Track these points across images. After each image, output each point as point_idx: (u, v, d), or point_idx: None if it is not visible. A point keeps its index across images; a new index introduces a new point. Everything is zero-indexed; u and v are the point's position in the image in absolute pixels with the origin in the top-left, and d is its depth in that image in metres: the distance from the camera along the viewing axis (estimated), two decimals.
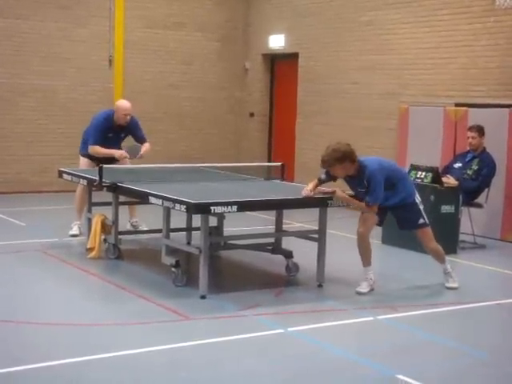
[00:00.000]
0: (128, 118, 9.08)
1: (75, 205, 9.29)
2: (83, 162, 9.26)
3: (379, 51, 12.07)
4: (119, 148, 9.21)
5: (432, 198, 8.90)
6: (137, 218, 9.45)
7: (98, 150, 9.01)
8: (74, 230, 9.22)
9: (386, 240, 9.31)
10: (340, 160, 6.79)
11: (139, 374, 4.96)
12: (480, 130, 9.40)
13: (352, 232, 9.95)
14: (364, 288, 7.02)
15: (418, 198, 7.21)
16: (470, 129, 9.48)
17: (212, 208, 6.37)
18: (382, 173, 6.91)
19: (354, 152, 6.86)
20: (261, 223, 9.51)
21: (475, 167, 9.34)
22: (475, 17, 10.57)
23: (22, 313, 6.19)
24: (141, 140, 9.32)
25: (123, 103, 9.21)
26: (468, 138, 9.46)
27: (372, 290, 7.05)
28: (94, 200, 8.55)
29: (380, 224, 7.42)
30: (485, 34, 10.47)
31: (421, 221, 7.20)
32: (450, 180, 9.20)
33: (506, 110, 9.85)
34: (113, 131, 9.11)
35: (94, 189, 8.24)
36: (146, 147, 9.23)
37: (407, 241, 8.94)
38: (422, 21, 11.36)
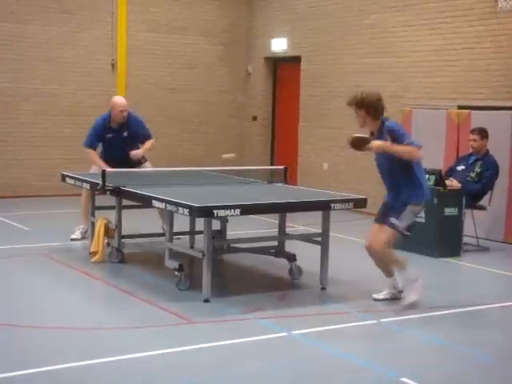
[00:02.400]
0: (125, 114, 9.03)
1: (81, 209, 9.28)
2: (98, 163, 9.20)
3: (382, 54, 12.07)
4: (129, 148, 9.12)
5: (435, 200, 8.90)
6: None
7: (91, 156, 9.05)
8: (75, 235, 9.21)
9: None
10: (358, 104, 6.58)
11: (142, 378, 4.96)
12: (482, 133, 9.40)
13: (355, 235, 9.99)
14: (381, 295, 6.88)
15: (419, 208, 6.68)
16: (472, 131, 9.50)
17: (215, 211, 6.38)
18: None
19: (379, 108, 6.57)
20: (264, 226, 9.51)
21: (478, 170, 9.34)
22: (477, 19, 10.57)
23: (26, 316, 6.19)
24: (145, 137, 9.27)
25: (119, 100, 9.17)
26: (470, 140, 9.48)
27: (392, 298, 6.83)
28: (97, 204, 8.56)
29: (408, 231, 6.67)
30: (487, 37, 10.47)
31: (393, 220, 6.53)
32: (453, 183, 9.20)
33: (509, 112, 9.85)
34: (112, 131, 9.09)
35: (96, 193, 8.25)
36: (146, 145, 9.19)
37: (410, 244, 8.94)
38: (425, 23, 11.36)
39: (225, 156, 9.02)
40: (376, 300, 6.84)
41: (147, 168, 9.20)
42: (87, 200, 8.99)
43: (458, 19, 10.85)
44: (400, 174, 6.55)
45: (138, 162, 9.23)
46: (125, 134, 9.18)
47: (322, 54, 13.27)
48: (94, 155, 9.09)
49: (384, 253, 6.65)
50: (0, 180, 12.85)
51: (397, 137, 6.47)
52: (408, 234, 6.60)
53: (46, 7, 13.09)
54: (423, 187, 6.62)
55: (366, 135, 6.63)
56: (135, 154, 9.14)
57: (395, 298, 6.85)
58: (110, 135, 9.09)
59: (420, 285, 6.63)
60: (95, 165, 9.06)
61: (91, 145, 9.11)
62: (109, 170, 7.94)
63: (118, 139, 9.13)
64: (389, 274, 6.86)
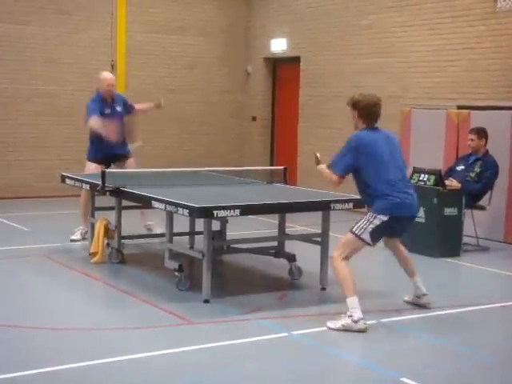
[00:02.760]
0: (112, 88, 9.20)
1: (80, 210, 9.26)
2: (90, 166, 9.17)
3: (381, 54, 12.07)
4: (122, 127, 9.29)
5: (435, 200, 8.90)
6: (151, 220, 9.40)
7: (94, 124, 8.88)
8: (75, 235, 9.20)
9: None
10: (352, 105, 6.33)
11: (143, 379, 4.96)
12: (479, 133, 9.40)
13: None
14: (406, 297, 6.68)
15: (381, 217, 6.13)
16: (470, 131, 9.52)
17: (215, 212, 6.37)
18: (358, 145, 6.20)
19: (372, 114, 6.25)
20: (264, 227, 9.51)
21: (478, 170, 9.34)
22: (477, 19, 10.57)
23: (26, 317, 6.18)
24: (132, 107, 9.52)
25: (107, 74, 9.36)
26: (468, 140, 9.49)
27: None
28: (96, 205, 8.56)
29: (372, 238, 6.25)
30: (487, 37, 10.47)
31: (353, 227, 6.24)
32: (452, 183, 9.20)
33: (509, 112, 9.84)
34: (109, 106, 9.19)
35: (96, 193, 8.24)
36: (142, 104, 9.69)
37: (410, 243, 8.94)
38: (424, 24, 11.36)
39: (136, 144, 9.56)
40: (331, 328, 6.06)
41: (131, 164, 9.20)
42: (87, 201, 8.97)
43: (458, 19, 10.84)
44: (358, 183, 6.34)
45: (124, 156, 9.29)
46: (118, 108, 9.27)
47: (321, 54, 13.27)
48: (99, 124, 8.86)
49: (335, 258, 6.13)
50: (0, 181, 12.85)
51: None
52: (359, 236, 6.15)
53: (44, 8, 13.08)
54: (382, 201, 6.13)
55: (318, 157, 6.51)
56: (151, 106, 9.71)
57: (414, 303, 6.67)
58: (108, 110, 9.15)
59: (350, 327, 5.91)
60: (99, 130, 8.88)
61: (95, 112, 9.00)
62: (108, 170, 7.93)
63: (115, 115, 9.20)
64: (410, 273, 6.68)
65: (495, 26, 10.36)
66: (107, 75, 9.31)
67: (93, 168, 9.07)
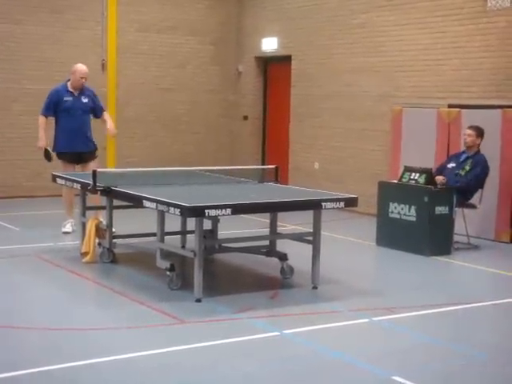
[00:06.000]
0: (84, 81, 9.43)
1: (65, 204, 9.52)
2: (66, 167, 9.42)
3: (372, 53, 12.09)
4: (86, 118, 9.49)
5: (426, 199, 8.92)
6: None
7: (39, 124, 9.50)
8: (67, 228, 9.47)
9: (381, 241, 9.33)
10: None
11: (134, 378, 4.95)
12: (478, 130, 9.40)
13: (346, 234, 10.00)
14: None
15: None
16: (469, 127, 9.47)
17: (206, 211, 6.37)
18: None
19: None
20: (255, 226, 9.51)
21: (468, 167, 9.35)
22: (467, 18, 10.60)
23: (17, 318, 6.17)
24: (101, 109, 9.68)
25: (82, 66, 9.55)
26: (464, 135, 9.47)
27: None
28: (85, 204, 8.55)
29: None
30: (477, 36, 10.50)
31: None
32: (440, 178, 9.17)
33: (499, 110, 9.88)
34: (71, 95, 9.38)
35: (87, 193, 8.24)
36: (109, 119, 9.67)
37: (401, 242, 8.97)
38: (415, 22, 11.39)
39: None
40: None
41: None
42: (69, 194, 9.34)
43: (448, 18, 10.87)
44: None
45: (90, 158, 9.47)
46: (84, 99, 9.46)
47: (313, 53, 13.28)
48: (42, 125, 9.45)
49: None
50: None
51: None
52: None
53: (36, 7, 13.03)
54: None
55: None
56: (112, 129, 9.55)
57: None
58: (70, 98, 9.37)
59: None
60: (39, 130, 9.50)
61: (45, 112, 9.46)
62: (100, 170, 7.93)
63: (77, 104, 9.38)
64: None
65: (485, 25, 10.39)
66: (82, 67, 9.52)
67: (69, 169, 9.33)
